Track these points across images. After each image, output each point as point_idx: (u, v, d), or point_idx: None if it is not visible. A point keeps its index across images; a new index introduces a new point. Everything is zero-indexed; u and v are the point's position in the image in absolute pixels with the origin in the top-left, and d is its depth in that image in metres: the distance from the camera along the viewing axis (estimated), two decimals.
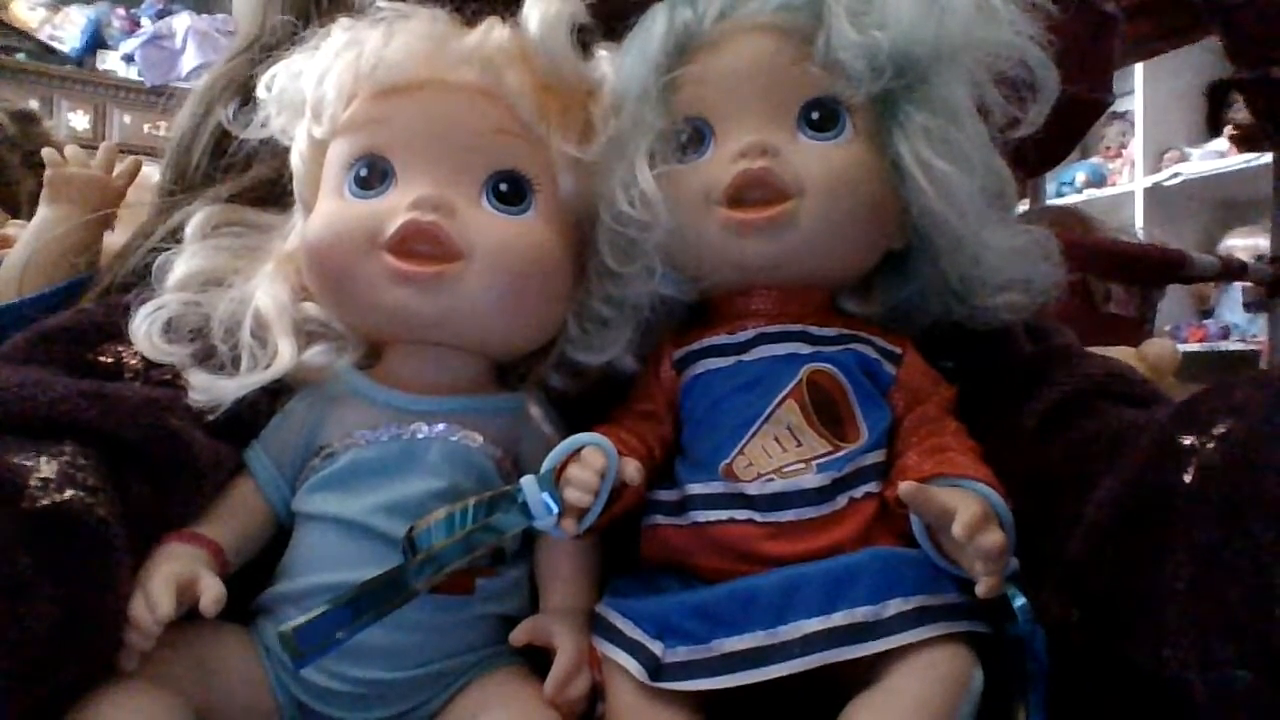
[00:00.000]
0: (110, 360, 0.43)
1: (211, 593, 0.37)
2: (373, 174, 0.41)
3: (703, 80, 0.42)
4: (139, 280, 0.47)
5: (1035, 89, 0.43)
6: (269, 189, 0.49)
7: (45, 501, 0.33)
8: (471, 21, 0.44)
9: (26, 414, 0.36)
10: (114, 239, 0.87)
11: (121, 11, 2.93)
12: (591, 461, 0.38)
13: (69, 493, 0.34)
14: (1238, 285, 1.95)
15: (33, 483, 0.33)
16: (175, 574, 0.37)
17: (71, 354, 0.43)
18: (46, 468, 0.34)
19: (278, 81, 0.45)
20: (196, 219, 0.47)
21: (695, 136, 0.42)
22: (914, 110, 0.41)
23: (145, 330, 0.42)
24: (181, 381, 0.42)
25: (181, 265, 0.45)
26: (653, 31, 0.43)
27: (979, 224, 0.41)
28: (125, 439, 0.38)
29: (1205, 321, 2.40)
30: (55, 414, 0.37)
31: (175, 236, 0.47)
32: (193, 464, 0.40)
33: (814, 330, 0.42)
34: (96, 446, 0.37)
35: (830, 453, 0.40)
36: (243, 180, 0.51)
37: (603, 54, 0.44)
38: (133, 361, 0.43)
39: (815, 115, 0.41)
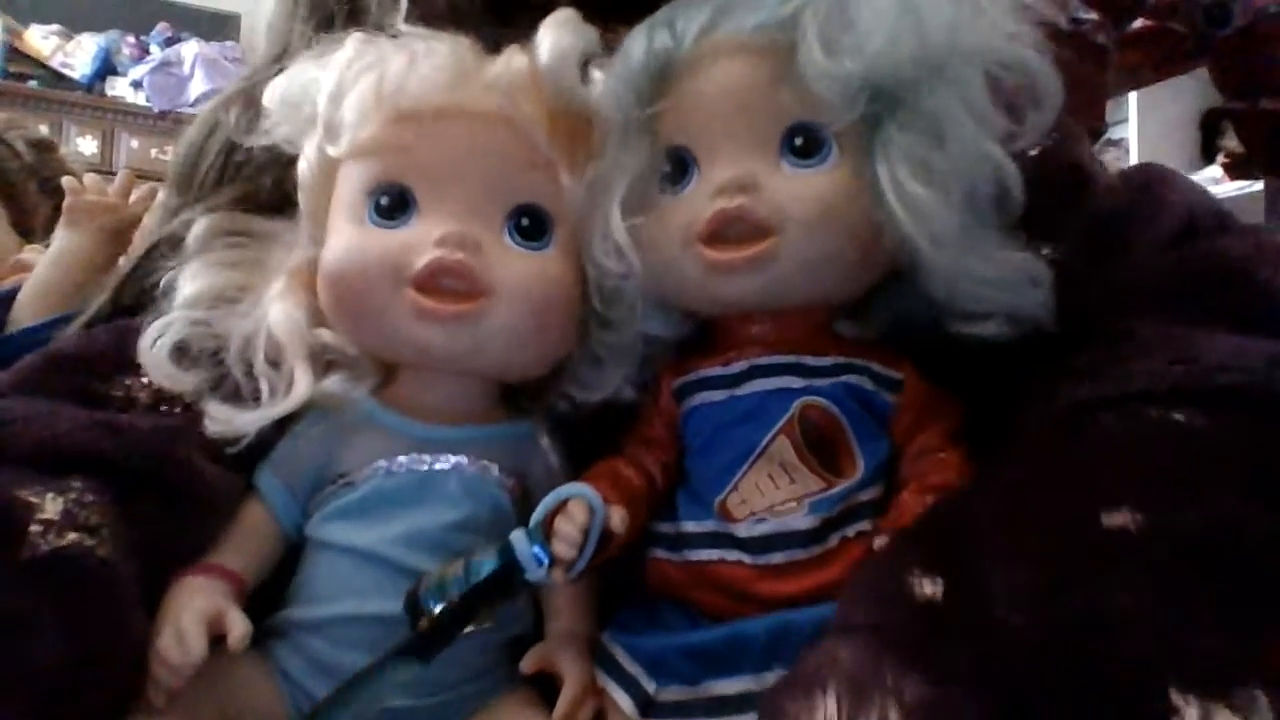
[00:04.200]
0: (120, 394, 0.43)
1: (239, 629, 0.38)
2: (394, 202, 0.41)
3: (682, 107, 0.41)
4: (143, 297, 0.47)
5: (1036, 96, 0.40)
6: (269, 196, 0.49)
7: (46, 549, 0.34)
8: (492, 48, 0.44)
9: (38, 445, 0.37)
10: None
11: (131, 39, 2.98)
12: (575, 515, 0.39)
13: (70, 536, 0.35)
14: None
15: (34, 527, 0.34)
16: (204, 611, 0.38)
17: (81, 384, 0.43)
18: (52, 506, 0.35)
19: (283, 89, 0.44)
20: (196, 230, 0.46)
21: (678, 166, 0.42)
22: (896, 131, 0.39)
23: (155, 357, 0.42)
24: (194, 410, 0.42)
25: (187, 285, 0.44)
26: (632, 57, 0.42)
27: (959, 251, 0.39)
28: (137, 470, 0.39)
29: None
30: (66, 446, 0.37)
31: (174, 246, 0.47)
32: (206, 494, 0.41)
33: (809, 361, 0.42)
34: (107, 478, 0.38)
35: (824, 489, 0.40)
36: (244, 188, 0.50)
37: (597, 75, 0.44)
38: (142, 395, 0.43)
39: (799, 141, 0.40)
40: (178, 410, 0.43)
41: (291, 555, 0.44)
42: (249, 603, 0.41)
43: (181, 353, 0.43)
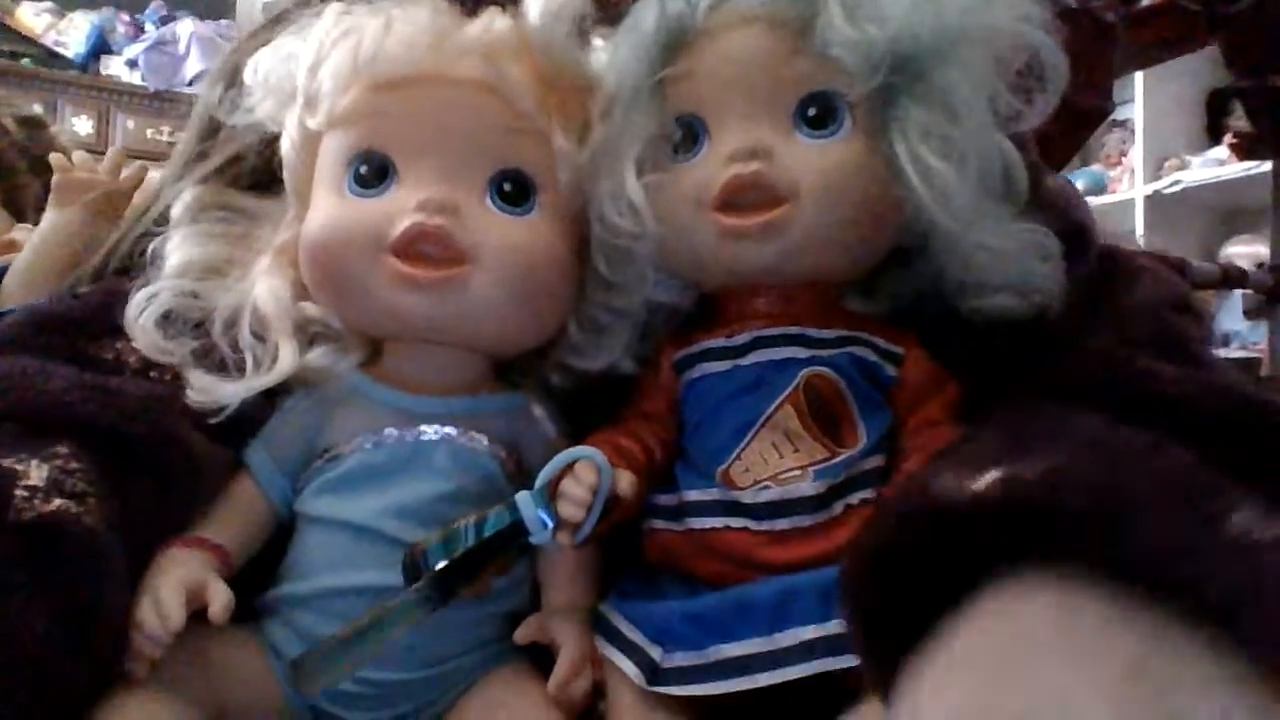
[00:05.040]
0: (110, 357, 0.43)
1: (221, 600, 0.37)
2: (373, 171, 0.41)
3: (695, 75, 0.41)
4: (134, 262, 0.47)
5: (1042, 78, 0.41)
6: (257, 172, 0.48)
7: (31, 514, 0.33)
8: (472, 11, 0.43)
9: (26, 405, 0.37)
10: None
11: (126, 17, 2.95)
12: (584, 477, 0.38)
13: (56, 502, 0.34)
14: (1238, 293, 1.95)
15: (19, 493, 0.34)
16: (184, 581, 0.37)
17: (69, 344, 0.42)
18: (36, 473, 0.34)
19: (265, 65, 0.44)
20: (183, 200, 0.46)
21: (689, 135, 0.41)
22: (912, 105, 0.39)
23: (141, 323, 0.42)
24: (182, 379, 0.42)
25: (175, 254, 0.44)
26: (644, 24, 0.41)
27: (974, 224, 0.39)
28: (126, 436, 0.38)
29: None
30: (55, 406, 0.37)
31: (166, 218, 0.47)
32: (193, 465, 0.40)
33: (813, 333, 0.42)
34: (95, 443, 0.37)
35: (828, 458, 0.40)
36: (235, 150, 0.49)
37: (598, 43, 0.43)
38: (132, 360, 0.43)
39: (812, 111, 0.40)
40: (167, 377, 0.42)
41: (284, 538, 0.43)
42: (241, 585, 0.40)
43: (168, 322, 0.43)
